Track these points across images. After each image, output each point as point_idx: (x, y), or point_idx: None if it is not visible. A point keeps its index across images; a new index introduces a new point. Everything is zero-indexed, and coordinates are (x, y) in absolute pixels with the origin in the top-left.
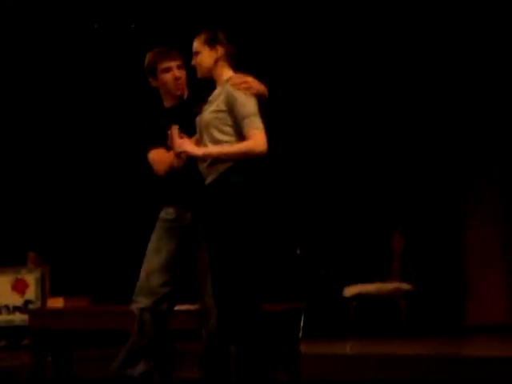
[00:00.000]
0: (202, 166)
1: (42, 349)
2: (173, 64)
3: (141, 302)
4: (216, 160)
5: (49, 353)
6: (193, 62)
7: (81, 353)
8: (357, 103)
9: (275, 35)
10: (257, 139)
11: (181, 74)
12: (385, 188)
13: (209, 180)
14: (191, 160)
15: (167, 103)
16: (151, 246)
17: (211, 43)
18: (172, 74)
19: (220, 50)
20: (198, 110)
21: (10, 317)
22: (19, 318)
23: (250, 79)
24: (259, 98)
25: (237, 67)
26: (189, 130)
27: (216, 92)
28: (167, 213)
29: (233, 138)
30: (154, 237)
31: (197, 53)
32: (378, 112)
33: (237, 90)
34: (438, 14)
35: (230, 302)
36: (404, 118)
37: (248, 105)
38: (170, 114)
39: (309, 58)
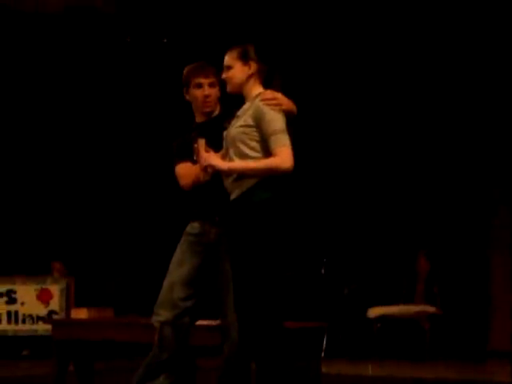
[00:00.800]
0: (227, 182)
1: (64, 359)
2: (205, 81)
3: (162, 316)
4: (241, 175)
5: (71, 363)
6: (223, 76)
7: (102, 364)
8: (383, 124)
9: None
10: (283, 156)
11: (211, 92)
12: (411, 210)
13: (234, 196)
14: (217, 175)
15: (198, 118)
16: (175, 259)
17: (244, 59)
18: (202, 90)
19: (253, 67)
20: (227, 126)
21: (34, 326)
22: (42, 327)
23: (279, 96)
24: (287, 115)
25: (267, 84)
26: (217, 146)
27: (245, 107)
28: (192, 227)
29: (259, 154)
30: (178, 250)
31: (229, 67)
32: (406, 133)
33: (266, 106)
34: (447, 20)
35: (252, 319)
36: (432, 139)
37: (276, 121)
38: (199, 129)
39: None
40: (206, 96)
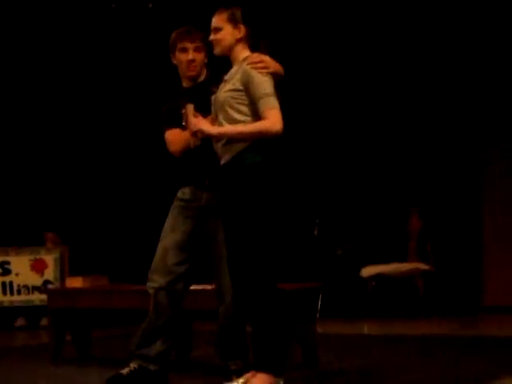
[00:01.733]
0: (217, 146)
1: (60, 328)
2: (190, 45)
3: (156, 282)
4: (231, 140)
5: (67, 332)
6: (211, 38)
7: (99, 332)
8: (375, 92)
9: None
10: (272, 119)
11: (196, 56)
12: (402, 169)
13: (224, 160)
14: (207, 140)
15: (184, 83)
16: (167, 225)
17: (234, 21)
18: (187, 55)
19: (242, 30)
20: (214, 90)
21: (29, 297)
22: (38, 297)
23: (267, 59)
24: (276, 78)
25: (254, 47)
26: (205, 111)
27: (232, 71)
28: (183, 193)
29: (248, 118)
30: (169, 216)
31: (218, 29)
32: (397, 93)
33: (253, 70)
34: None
35: (245, 281)
36: (422, 98)
37: (264, 84)
38: (186, 94)
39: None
40: (191, 60)
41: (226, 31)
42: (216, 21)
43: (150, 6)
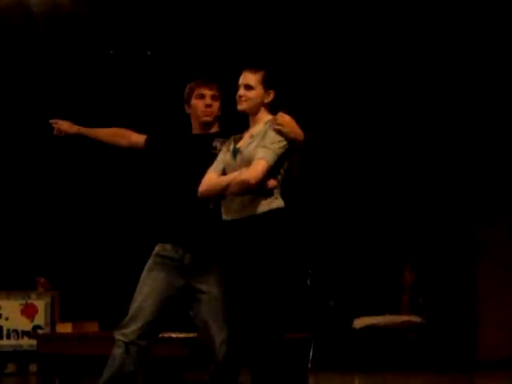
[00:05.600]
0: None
1: (49, 374)
2: (208, 92)
3: (127, 336)
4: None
5: (56, 378)
6: (242, 93)
7: (89, 380)
8: (372, 136)
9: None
10: (253, 169)
11: (213, 103)
12: (396, 221)
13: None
14: (196, 201)
15: (195, 130)
16: (147, 279)
17: (267, 85)
18: (204, 100)
19: (272, 95)
20: (218, 146)
21: (19, 341)
22: (27, 342)
23: (293, 124)
24: (293, 143)
25: (274, 111)
26: (204, 161)
27: (258, 129)
28: (164, 249)
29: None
30: (148, 271)
31: (250, 87)
32: (391, 144)
33: (275, 129)
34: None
35: (262, 331)
36: (417, 152)
37: (274, 139)
38: (192, 141)
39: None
40: (208, 105)
41: (258, 92)
42: (250, 78)
43: (149, 53)
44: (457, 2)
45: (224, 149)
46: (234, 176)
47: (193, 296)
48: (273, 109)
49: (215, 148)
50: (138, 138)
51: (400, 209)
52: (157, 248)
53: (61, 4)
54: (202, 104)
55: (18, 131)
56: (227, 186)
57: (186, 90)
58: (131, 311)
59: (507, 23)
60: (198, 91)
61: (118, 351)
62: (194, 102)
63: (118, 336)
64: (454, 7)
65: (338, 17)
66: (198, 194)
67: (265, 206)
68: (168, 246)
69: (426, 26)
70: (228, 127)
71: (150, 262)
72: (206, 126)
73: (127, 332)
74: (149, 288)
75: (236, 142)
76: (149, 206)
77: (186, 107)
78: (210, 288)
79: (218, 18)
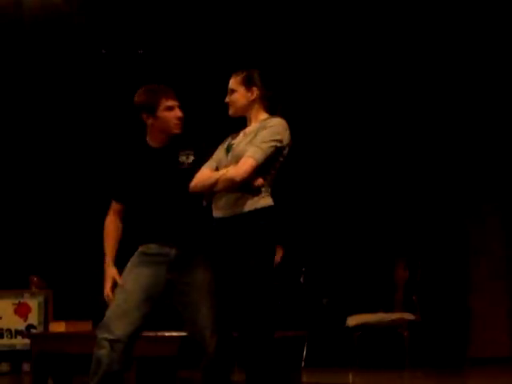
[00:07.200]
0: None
1: (43, 373)
2: (175, 103)
3: (112, 334)
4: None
5: (50, 377)
6: (227, 99)
7: (81, 378)
8: (363, 130)
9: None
10: (240, 166)
11: (182, 114)
12: (389, 218)
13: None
14: (176, 202)
15: (154, 142)
16: (130, 275)
17: (248, 84)
18: (175, 112)
19: (255, 93)
20: (182, 156)
21: (12, 341)
22: (20, 342)
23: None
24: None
25: (272, 110)
26: (168, 174)
27: (254, 127)
28: (149, 248)
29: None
30: (131, 267)
31: (233, 91)
32: (384, 142)
33: (269, 128)
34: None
35: (250, 329)
36: (409, 148)
37: (266, 141)
38: (155, 155)
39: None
40: (180, 118)
41: (239, 93)
42: (231, 83)
43: (141, 52)
44: (457, 2)
45: (221, 145)
46: (222, 173)
47: (179, 290)
48: (270, 108)
49: (182, 164)
50: (119, 213)
51: (392, 206)
52: (141, 248)
53: (53, 3)
54: (174, 116)
55: (10, 131)
56: (216, 183)
57: (147, 98)
58: (115, 308)
59: (507, 23)
60: (166, 103)
61: (102, 352)
62: (164, 114)
63: (101, 335)
64: (453, 7)
65: (336, 16)
66: (190, 189)
67: (251, 204)
68: (152, 245)
69: (426, 25)
70: (228, 127)
71: (133, 259)
72: (173, 138)
73: (112, 329)
74: (133, 284)
75: (233, 138)
76: (131, 213)
77: (150, 118)
78: (194, 278)
79: (209, 16)
